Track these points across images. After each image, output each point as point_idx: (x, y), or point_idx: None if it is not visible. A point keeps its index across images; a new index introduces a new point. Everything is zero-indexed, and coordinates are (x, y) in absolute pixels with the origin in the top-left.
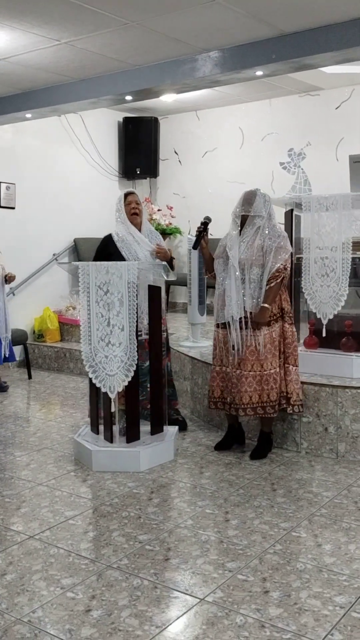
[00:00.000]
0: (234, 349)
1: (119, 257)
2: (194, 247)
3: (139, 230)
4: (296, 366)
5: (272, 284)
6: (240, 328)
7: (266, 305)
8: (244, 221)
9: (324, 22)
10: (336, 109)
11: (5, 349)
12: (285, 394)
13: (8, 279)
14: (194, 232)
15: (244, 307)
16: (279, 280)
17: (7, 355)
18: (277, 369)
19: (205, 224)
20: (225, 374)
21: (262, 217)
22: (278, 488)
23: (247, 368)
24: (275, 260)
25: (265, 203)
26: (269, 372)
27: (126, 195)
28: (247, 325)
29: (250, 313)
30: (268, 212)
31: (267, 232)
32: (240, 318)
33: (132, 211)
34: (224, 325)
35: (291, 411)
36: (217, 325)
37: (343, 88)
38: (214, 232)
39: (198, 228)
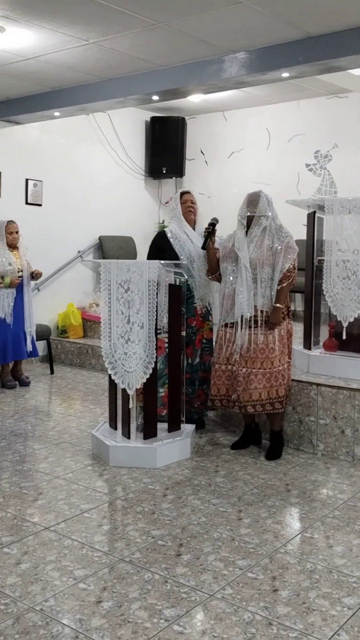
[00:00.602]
0: (240, 348)
1: (172, 254)
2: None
3: (193, 228)
4: (290, 359)
5: (283, 284)
6: (249, 326)
7: (279, 305)
8: (249, 222)
9: (351, 24)
10: None
11: (29, 344)
12: (289, 388)
13: (35, 275)
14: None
15: (255, 305)
16: (290, 280)
17: (30, 350)
18: (285, 366)
19: (212, 224)
20: (232, 373)
21: (267, 217)
22: (292, 489)
23: (256, 366)
24: (285, 260)
25: (269, 203)
26: (277, 370)
27: (182, 193)
28: (257, 323)
29: (262, 312)
30: (271, 212)
31: (274, 232)
32: (251, 317)
33: (188, 209)
34: (231, 325)
35: (286, 403)
36: (226, 325)
37: None
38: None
39: (206, 229)
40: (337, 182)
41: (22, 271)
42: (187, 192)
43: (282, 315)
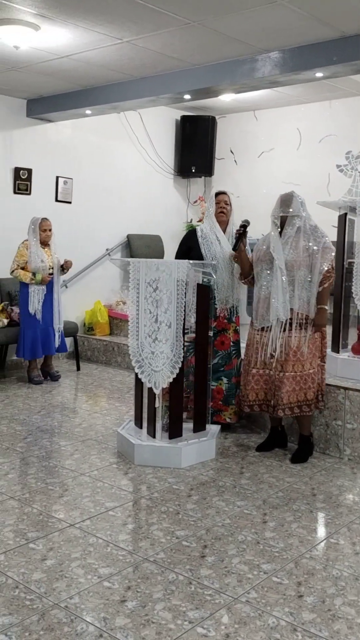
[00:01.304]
0: (274, 351)
1: (198, 253)
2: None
3: (224, 229)
4: (325, 363)
5: (325, 285)
6: (284, 330)
7: (325, 306)
8: (282, 223)
9: None
10: None
11: (57, 340)
12: (320, 392)
13: (65, 266)
14: (234, 234)
15: (292, 307)
16: (330, 281)
17: (59, 346)
18: (315, 369)
19: (244, 226)
20: (269, 377)
21: (301, 217)
22: (318, 493)
23: (288, 369)
24: (323, 261)
25: (302, 203)
26: (308, 373)
27: (217, 194)
28: (292, 326)
29: (298, 314)
30: (305, 212)
31: (309, 232)
32: (286, 320)
33: (220, 209)
34: (268, 328)
35: (323, 407)
36: (262, 329)
37: None
38: (266, 232)
39: (237, 230)
40: None
41: (52, 268)
42: (223, 193)
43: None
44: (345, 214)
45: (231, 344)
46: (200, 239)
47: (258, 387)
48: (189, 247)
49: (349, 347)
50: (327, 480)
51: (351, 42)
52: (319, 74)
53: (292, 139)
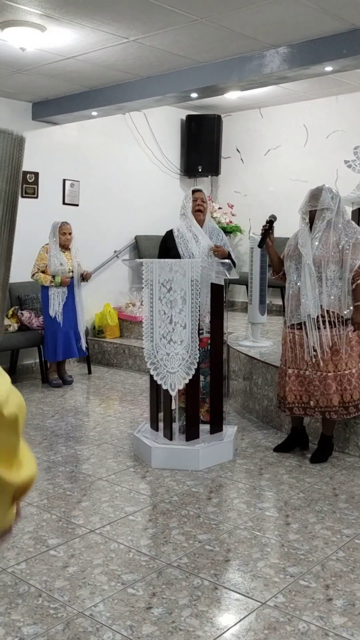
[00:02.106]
0: (314, 350)
1: (176, 252)
2: (260, 245)
3: (201, 227)
4: None
5: (358, 282)
6: (317, 327)
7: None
8: (312, 217)
9: None
10: None
11: (84, 343)
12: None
13: (84, 277)
14: (255, 231)
15: (321, 305)
16: None
17: (84, 349)
18: (353, 370)
19: (270, 222)
20: (304, 378)
21: (331, 209)
22: (340, 493)
23: (329, 369)
24: (355, 257)
25: (334, 197)
26: (350, 372)
27: (193, 192)
28: (325, 324)
29: (328, 312)
30: (337, 206)
31: (340, 227)
32: (317, 316)
33: (197, 207)
34: (299, 326)
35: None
36: (292, 327)
37: None
38: (276, 231)
39: (264, 226)
40: None
41: (72, 271)
42: (198, 191)
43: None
44: (359, 208)
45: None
46: (177, 239)
47: (295, 388)
48: (168, 247)
49: None
50: (349, 480)
51: None
52: (328, 68)
53: (299, 135)
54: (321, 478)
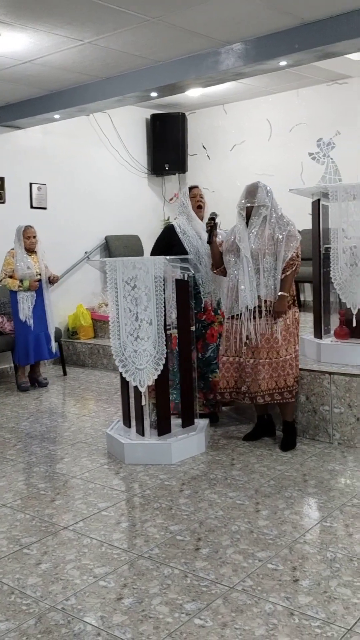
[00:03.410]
0: (247, 339)
1: (181, 249)
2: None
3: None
4: (297, 347)
5: (287, 273)
6: (254, 317)
7: (284, 293)
8: (249, 213)
9: (345, 9)
10: None
11: (54, 345)
12: (296, 377)
13: (52, 280)
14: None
15: (259, 295)
16: (294, 269)
17: (54, 352)
18: (293, 355)
19: (212, 219)
20: (239, 364)
21: (267, 206)
22: (309, 479)
23: (262, 356)
24: (287, 249)
25: (268, 193)
26: (284, 359)
27: (191, 188)
28: (261, 314)
29: (266, 301)
30: (271, 202)
31: (274, 221)
32: (255, 307)
33: (198, 203)
34: (238, 317)
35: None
36: (232, 317)
37: None
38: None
39: (207, 224)
40: (341, 169)
41: (40, 275)
42: (196, 187)
43: (287, 303)
44: (319, 200)
45: (218, 335)
46: (180, 235)
47: (228, 374)
48: (171, 244)
49: (332, 332)
50: (318, 466)
51: (312, 28)
52: (282, 63)
53: (263, 130)
54: (292, 465)
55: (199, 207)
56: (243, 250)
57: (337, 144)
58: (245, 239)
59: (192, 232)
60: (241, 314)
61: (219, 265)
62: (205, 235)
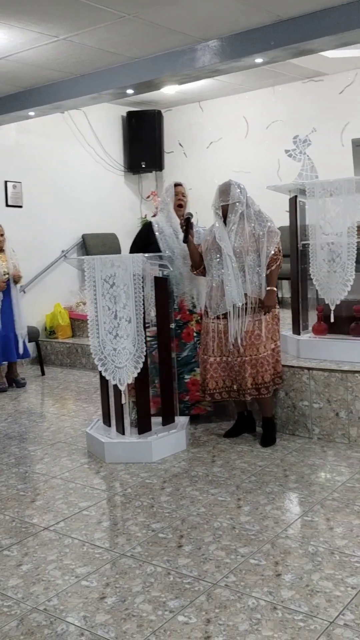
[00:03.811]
0: (233, 338)
1: (156, 247)
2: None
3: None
4: (278, 344)
5: (272, 268)
6: (239, 315)
7: (273, 288)
8: (225, 212)
9: (320, 5)
10: (340, 93)
11: (21, 346)
12: (278, 373)
13: (15, 279)
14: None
15: (246, 292)
16: (277, 263)
17: (21, 352)
18: (269, 352)
19: (187, 219)
20: (227, 363)
21: (242, 202)
22: (290, 474)
23: (247, 354)
24: (269, 244)
25: (242, 191)
26: (263, 356)
27: (175, 185)
28: (247, 311)
29: (252, 298)
30: (245, 198)
31: (253, 217)
32: (241, 305)
33: (178, 202)
34: (224, 316)
35: (279, 385)
36: (218, 317)
37: (346, 72)
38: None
39: (181, 224)
40: (318, 166)
41: (8, 274)
42: (180, 184)
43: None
44: (296, 196)
45: (194, 334)
46: (157, 233)
47: (217, 375)
48: (149, 242)
49: (309, 328)
50: (299, 461)
51: (287, 25)
52: (258, 60)
53: (239, 127)
54: (272, 461)
55: (179, 206)
56: (225, 249)
57: (313, 141)
58: (225, 237)
59: (170, 231)
60: (228, 312)
61: (198, 265)
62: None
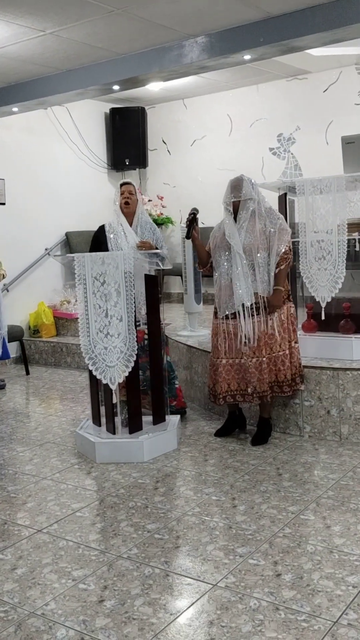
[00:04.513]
0: (246, 338)
1: (107, 248)
2: (187, 237)
3: (131, 220)
4: (297, 342)
5: (282, 267)
6: (252, 315)
7: (280, 287)
8: (236, 208)
9: (310, 2)
10: (324, 92)
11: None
12: (297, 373)
13: None
14: (184, 222)
15: (256, 291)
16: (287, 262)
17: (0, 354)
18: (286, 351)
19: (193, 214)
20: (240, 366)
21: (254, 199)
22: (283, 472)
23: (263, 354)
24: (280, 243)
25: (254, 186)
26: (277, 355)
27: (121, 185)
28: (259, 311)
29: (262, 298)
30: (257, 195)
31: (264, 214)
32: (252, 304)
33: (124, 200)
34: (233, 316)
35: (302, 388)
36: (226, 317)
37: (330, 71)
38: (205, 220)
39: (187, 218)
40: (302, 164)
41: None
42: (126, 183)
43: (283, 298)
44: (285, 194)
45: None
46: (108, 234)
47: (229, 377)
48: (100, 242)
49: (299, 325)
50: (291, 459)
51: (277, 22)
52: (247, 56)
53: (223, 125)
54: (265, 459)
55: (125, 204)
56: (235, 246)
57: (297, 139)
58: (235, 234)
59: (120, 230)
60: (237, 312)
61: (205, 263)
62: (131, 234)
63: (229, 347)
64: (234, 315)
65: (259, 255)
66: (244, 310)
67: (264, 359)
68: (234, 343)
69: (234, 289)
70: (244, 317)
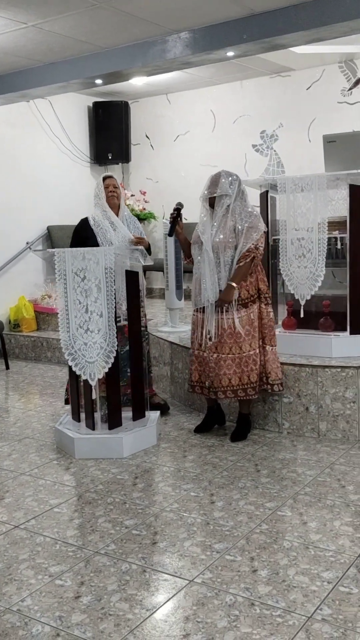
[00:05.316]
0: (209, 333)
1: (94, 242)
2: (170, 234)
3: (117, 213)
4: (273, 346)
5: (241, 264)
6: (217, 312)
7: (233, 283)
8: (213, 204)
9: (294, 1)
10: (307, 89)
11: None
12: (264, 374)
13: None
14: (168, 217)
15: (221, 289)
16: (248, 260)
17: None
18: (257, 351)
19: (177, 209)
20: (203, 358)
21: (229, 195)
22: (262, 469)
23: (225, 351)
24: (246, 241)
25: (232, 182)
26: (247, 354)
27: (104, 178)
28: (224, 307)
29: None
30: (236, 191)
31: (237, 212)
32: (216, 301)
33: (110, 194)
34: (202, 310)
35: (271, 390)
36: (197, 310)
37: (314, 68)
38: (188, 216)
39: (171, 214)
40: (284, 162)
41: None
42: (109, 177)
43: (250, 297)
44: (267, 191)
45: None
46: (94, 228)
47: (193, 368)
48: (84, 237)
49: (279, 322)
50: (269, 456)
51: (260, 19)
52: (230, 53)
53: (207, 121)
54: (243, 455)
55: (112, 198)
56: (204, 243)
57: (280, 136)
58: (207, 231)
59: (106, 224)
60: (204, 307)
61: (189, 255)
62: (121, 228)
63: (197, 339)
64: (203, 310)
65: (226, 253)
66: (209, 307)
67: (227, 356)
68: (199, 336)
69: (201, 284)
70: (209, 314)
